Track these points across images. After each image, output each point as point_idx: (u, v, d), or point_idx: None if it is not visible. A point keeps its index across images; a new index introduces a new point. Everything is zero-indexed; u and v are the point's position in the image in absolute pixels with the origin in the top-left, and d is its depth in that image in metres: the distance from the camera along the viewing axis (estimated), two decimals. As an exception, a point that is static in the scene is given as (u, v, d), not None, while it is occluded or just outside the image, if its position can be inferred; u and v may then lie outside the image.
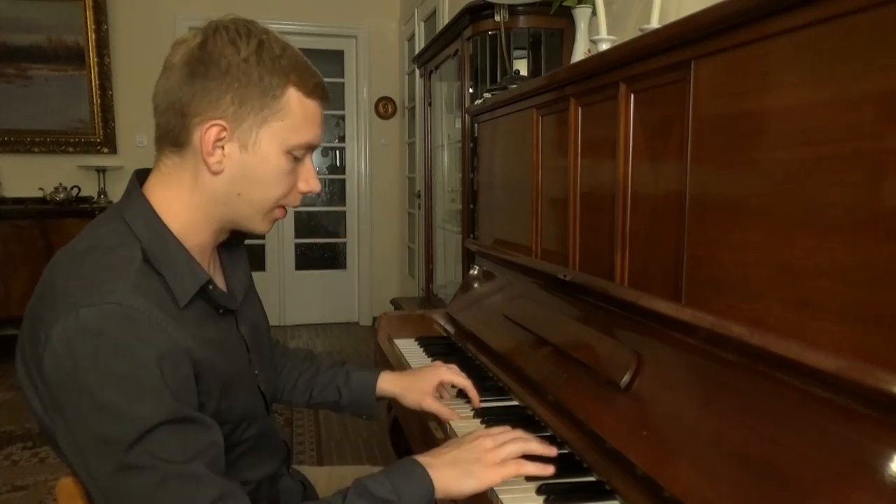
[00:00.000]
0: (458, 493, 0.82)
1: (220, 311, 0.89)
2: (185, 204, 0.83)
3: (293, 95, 0.82)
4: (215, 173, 0.81)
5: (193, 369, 0.77)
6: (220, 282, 0.95)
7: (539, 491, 0.90)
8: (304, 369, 1.22)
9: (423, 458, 0.84)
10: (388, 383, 1.20)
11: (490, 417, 1.17)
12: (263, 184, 0.83)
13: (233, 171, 0.81)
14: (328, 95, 0.88)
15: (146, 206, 0.82)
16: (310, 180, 0.88)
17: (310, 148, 0.87)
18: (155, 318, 0.72)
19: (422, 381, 1.17)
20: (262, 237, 4.93)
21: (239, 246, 1.01)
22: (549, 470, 0.87)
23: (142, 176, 0.87)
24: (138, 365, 0.69)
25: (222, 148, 0.80)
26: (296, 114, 0.82)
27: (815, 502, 0.64)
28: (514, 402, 1.26)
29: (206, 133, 0.79)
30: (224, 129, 0.79)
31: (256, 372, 0.99)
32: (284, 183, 0.85)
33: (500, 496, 0.90)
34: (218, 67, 0.78)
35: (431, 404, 1.15)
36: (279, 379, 1.20)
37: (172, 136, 0.81)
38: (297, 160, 0.85)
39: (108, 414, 0.68)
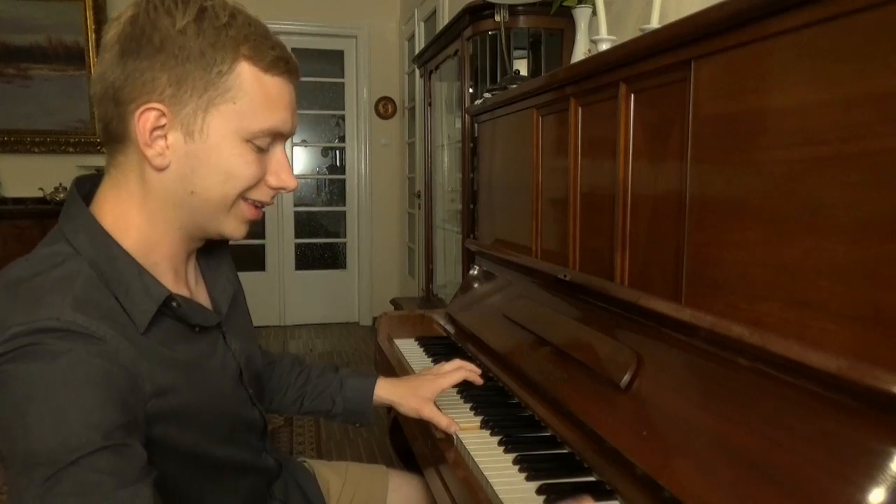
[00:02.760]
0: None
1: (196, 329, 0.78)
2: (137, 214, 0.72)
3: (246, 71, 0.70)
4: (159, 168, 0.70)
5: (154, 396, 0.68)
6: (201, 293, 0.85)
7: (539, 491, 0.91)
8: (294, 377, 1.15)
9: None
10: (385, 391, 1.13)
11: (491, 419, 1.17)
12: (219, 177, 0.71)
13: (180, 165, 0.70)
14: (297, 70, 0.75)
15: (87, 219, 0.71)
16: (281, 174, 0.76)
17: (277, 136, 0.75)
18: (100, 334, 0.63)
19: (422, 388, 1.11)
20: (263, 237, 4.94)
21: (221, 248, 0.91)
22: None
23: (84, 186, 0.76)
24: (74, 383, 0.60)
25: (164, 138, 0.69)
26: (251, 94, 0.70)
27: (814, 502, 0.64)
28: (515, 401, 1.26)
29: (141, 119, 0.68)
30: (162, 114, 0.68)
31: (250, 391, 0.89)
32: (245, 176, 0.73)
33: (500, 496, 0.90)
34: (151, 43, 0.67)
35: (431, 412, 1.09)
36: (268, 388, 1.13)
37: (111, 130, 0.70)
38: (261, 150, 0.74)
39: (35, 435, 0.58)
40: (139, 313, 0.69)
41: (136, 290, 0.70)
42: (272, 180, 0.76)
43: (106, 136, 0.72)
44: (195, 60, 0.67)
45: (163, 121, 0.69)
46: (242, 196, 0.75)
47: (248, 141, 0.72)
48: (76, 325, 0.62)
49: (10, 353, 0.60)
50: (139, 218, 0.73)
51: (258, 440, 0.95)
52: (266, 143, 0.74)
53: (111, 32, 0.69)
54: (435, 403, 1.11)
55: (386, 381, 1.15)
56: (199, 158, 0.70)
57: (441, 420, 1.09)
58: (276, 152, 0.76)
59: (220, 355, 0.83)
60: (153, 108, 0.68)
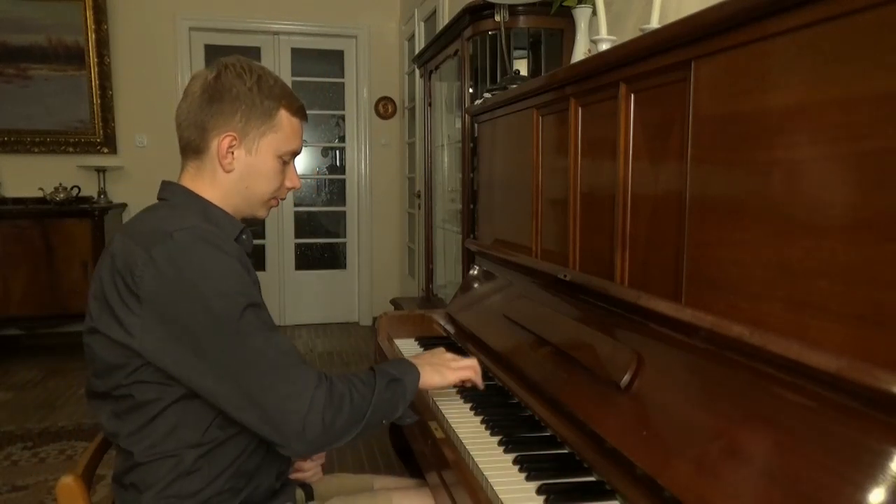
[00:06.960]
0: (430, 386, 1.12)
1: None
2: (208, 195, 1.07)
3: (284, 115, 1.07)
4: (228, 171, 1.06)
5: (255, 285, 0.99)
6: None
7: (539, 491, 0.91)
8: None
9: (410, 359, 1.13)
10: None
11: (491, 419, 1.17)
12: (262, 179, 1.08)
13: (241, 170, 1.06)
14: (306, 115, 1.14)
15: (182, 188, 1.06)
16: (294, 179, 1.14)
17: (294, 154, 1.12)
18: (223, 238, 0.97)
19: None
20: (263, 237, 4.95)
21: None
22: (481, 385, 1.21)
23: (167, 181, 1.10)
24: (225, 263, 0.93)
25: (233, 153, 1.05)
26: (286, 129, 1.08)
27: (814, 502, 0.64)
28: (515, 401, 1.26)
29: (222, 142, 1.04)
30: (234, 138, 1.04)
31: None
32: (276, 180, 1.10)
33: (500, 496, 0.90)
34: (231, 94, 1.03)
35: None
36: None
37: (194, 146, 1.06)
38: (285, 163, 1.11)
39: (214, 299, 0.89)
40: (228, 233, 1.04)
41: (226, 223, 1.06)
42: (288, 183, 1.14)
43: (187, 149, 1.07)
44: (257, 107, 1.05)
45: (234, 143, 1.05)
46: (273, 195, 1.14)
47: (279, 157, 1.09)
48: (210, 232, 0.95)
49: (180, 249, 0.92)
50: (208, 197, 1.07)
51: None
52: (289, 158, 1.11)
53: (196, 84, 1.05)
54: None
55: None
56: (253, 166, 1.07)
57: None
58: (291, 165, 1.14)
59: None
60: (230, 135, 1.04)
